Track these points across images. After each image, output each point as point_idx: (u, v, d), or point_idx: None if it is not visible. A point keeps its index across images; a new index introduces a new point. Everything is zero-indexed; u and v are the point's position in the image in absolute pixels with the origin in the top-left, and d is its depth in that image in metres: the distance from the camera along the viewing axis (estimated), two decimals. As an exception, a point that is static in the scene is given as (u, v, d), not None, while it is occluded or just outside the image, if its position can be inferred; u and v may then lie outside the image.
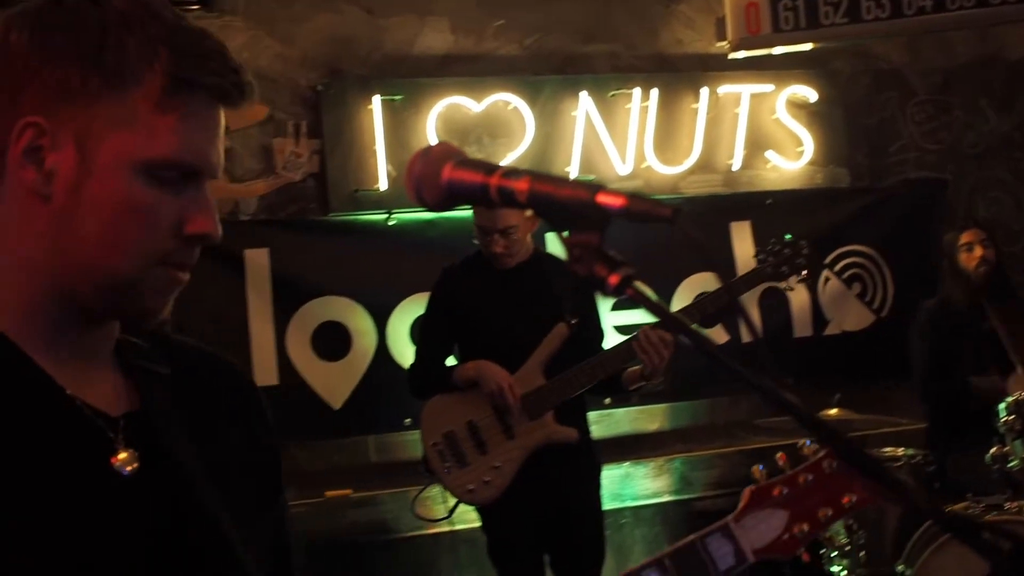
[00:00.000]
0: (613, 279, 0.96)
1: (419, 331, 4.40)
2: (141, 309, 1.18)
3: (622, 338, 5.30)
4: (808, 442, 1.33)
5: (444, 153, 1.11)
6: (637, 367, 3.93)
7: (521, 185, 1.04)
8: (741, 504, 1.29)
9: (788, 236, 4.18)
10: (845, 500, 1.32)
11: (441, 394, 3.96)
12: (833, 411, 4.58)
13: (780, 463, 1.33)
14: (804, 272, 4.18)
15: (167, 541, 1.16)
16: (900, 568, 4.22)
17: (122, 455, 1.16)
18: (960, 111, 6.50)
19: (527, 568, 3.92)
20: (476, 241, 4.03)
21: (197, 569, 1.17)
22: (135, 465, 1.16)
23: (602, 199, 0.98)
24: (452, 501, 3.97)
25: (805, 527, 1.30)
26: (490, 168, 1.07)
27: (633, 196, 0.98)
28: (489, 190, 1.06)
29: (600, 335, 4.21)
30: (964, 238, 4.98)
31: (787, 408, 0.98)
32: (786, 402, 0.99)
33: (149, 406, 1.23)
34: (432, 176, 1.10)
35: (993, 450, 4.22)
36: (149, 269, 1.16)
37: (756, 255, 4.29)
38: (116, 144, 1.13)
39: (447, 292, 4.11)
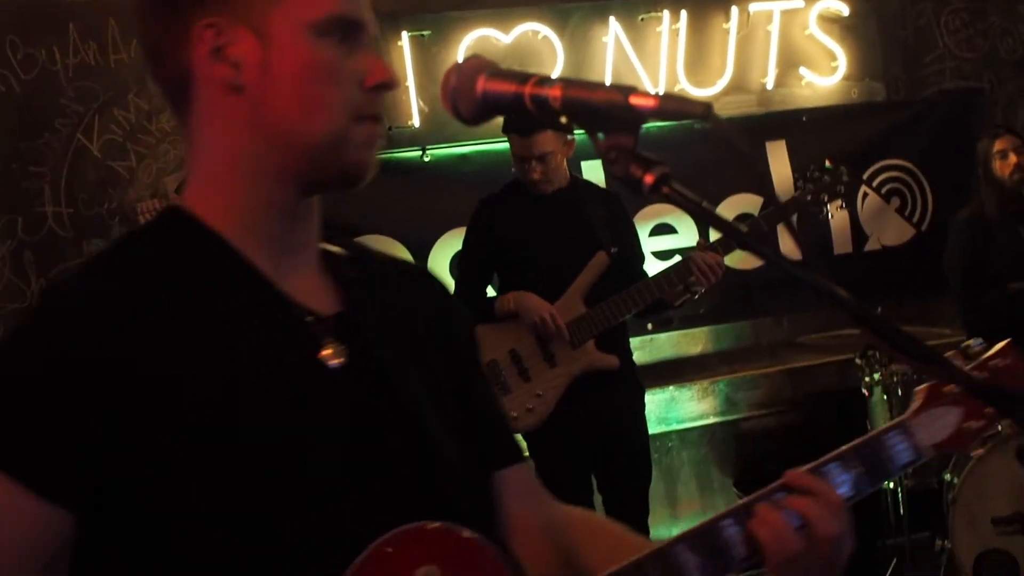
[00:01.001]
0: (648, 178, 0.98)
1: (458, 262, 4.43)
2: (351, 166, 1.25)
3: (660, 264, 5.35)
4: (975, 342, 1.34)
5: (477, 66, 1.13)
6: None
7: (555, 92, 1.06)
8: (916, 402, 1.34)
9: (827, 164, 4.16)
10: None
11: (482, 324, 4.00)
12: (874, 325, 4.56)
13: (955, 360, 1.36)
14: (843, 200, 4.16)
15: (370, 431, 1.24)
16: (947, 477, 4.25)
17: (328, 350, 1.24)
18: (996, 17, 6.38)
19: (575, 490, 3.97)
20: (514, 170, 4.05)
21: (397, 457, 1.25)
22: (341, 360, 1.25)
23: (635, 100, 1.00)
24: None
25: (979, 423, 1.34)
26: (523, 77, 1.09)
27: (666, 95, 1.00)
28: (523, 99, 1.08)
29: (640, 259, 4.23)
30: (998, 145, 4.90)
31: (841, 303, 1.00)
32: (841, 298, 1.00)
33: (351, 307, 1.30)
34: (467, 89, 1.12)
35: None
36: (349, 126, 1.23)
37: (795, 182, 4.26)
38: (284, 15, 1.21)
39: (485, 222, 4.13)
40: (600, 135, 1.02)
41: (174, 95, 1.27)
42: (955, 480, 4.13)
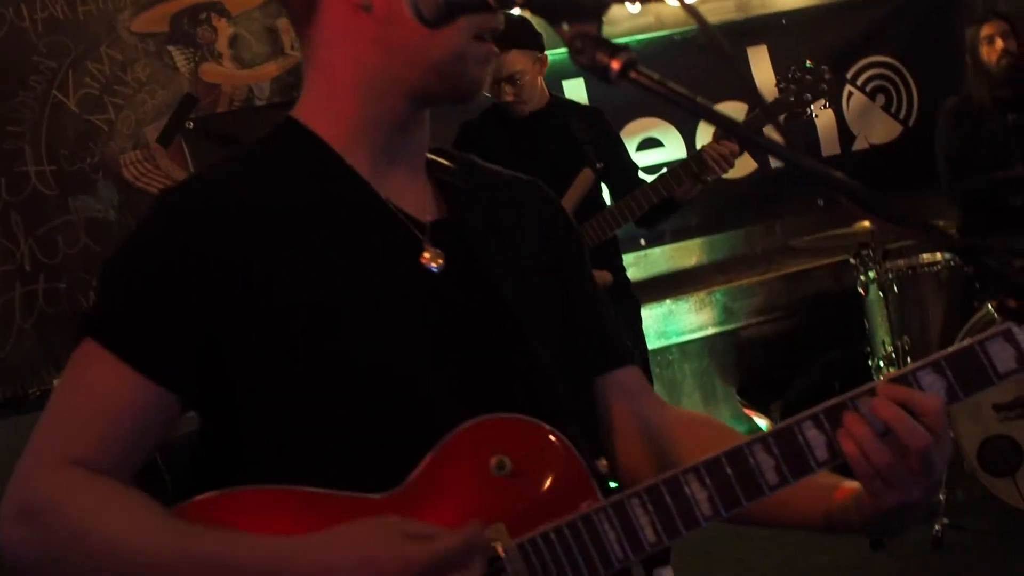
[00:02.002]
0: (616, 64, 0.97)
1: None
2: (468, 82, 1.31)
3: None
4: None
5: None
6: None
7: (516, -19, 1.04)
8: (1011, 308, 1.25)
9: (808, 63, 4.12)
10: None
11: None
12: (866, 223, 4.55)
13: None
14: (826, 97, 4.12)
15: (469, 328, 1.31)
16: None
17: (428, 253, 1.31)
18: (973, -99, 6.29)
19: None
20: (487, 94, 4.01)
21: (492, 355, 1.31)
22: (440, 262, 1.32)
23: (597, -16, 0.98)
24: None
25: None
26: (485, -27, 1.07)
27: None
28: (485, -7, 1.06)
29: (633, 169, 4.19)
30: (985, 31, 4.85)
31: (841, 187, 0.98)
32: (838, 181, 0.99)
33: (454, 214, 1.38)
34: None
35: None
36: (469, 43, 1.29)
37: (777, 83, 4.22)
38: None
39: (468, 145, 4.09)
40: (565, 25, 1.00)
41: (300, 14, 1.34)
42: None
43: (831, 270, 5.62)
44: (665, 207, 3.95)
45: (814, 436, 1.21)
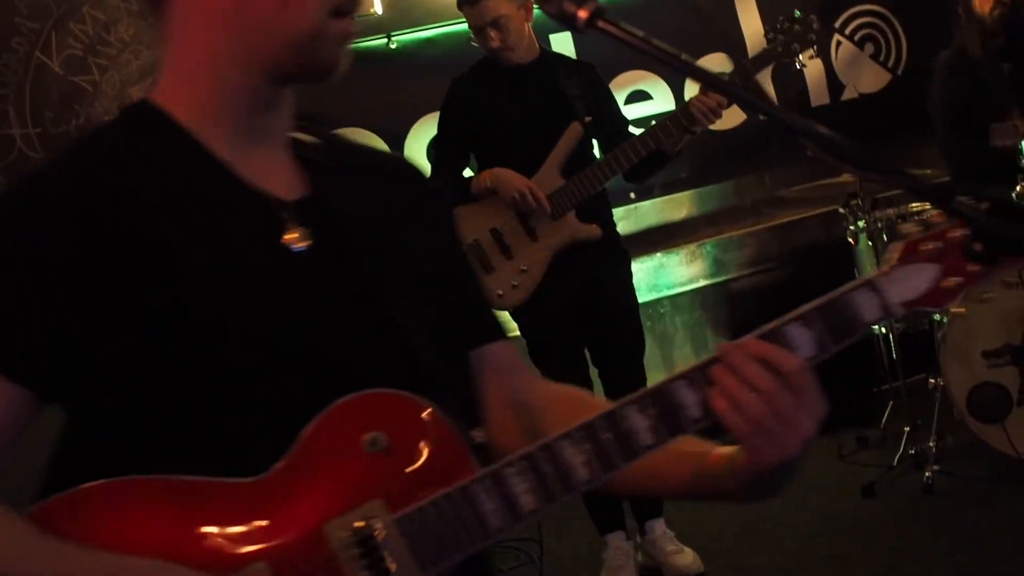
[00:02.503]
0: (583, 13, 0.96)
1: (434, 145, 4.39)
2: (324, 60, 1.26)
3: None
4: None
5: None
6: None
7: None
8: (892, 258, 1.29)
9: (797, 12, 4.10)
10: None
11: (461, 206, 3.98)
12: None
13: (933, 219, 1.31)
14: (814, 47, 4.11)
15: (338, 306, 1.28)
16: (936, 316, 4.28)
17: (292, 233, 1.27)
18: None
19: (569, 365, 3.99)
20: (475, 43, 4.00)
21: (362, 334, 1.28)
22: (308, 242, 1.27)
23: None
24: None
25: (958, 280, 1.29)
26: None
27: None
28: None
29: (623, 123, 4.18)
30: (977, -19, 4.82)
31: (818, 139, 0.98)
32: (816, 132, 0.98)
33: (320, 192, 1.33)
34: None
35: (1019, 188, 4.20)
36: (325, 20, 1.23)
37: (765, 34, 4.19)
38: None
39: (458, 102, 4.08)
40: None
41: None
42: (944, 319, 4.16)
43: (821, 220, 5.62)
44: (654, 160, 3.95)
45: (687, 395, 1.22)
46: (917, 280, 1.28)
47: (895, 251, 1.29)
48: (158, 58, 1.33)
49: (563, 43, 5.51)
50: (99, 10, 4.99)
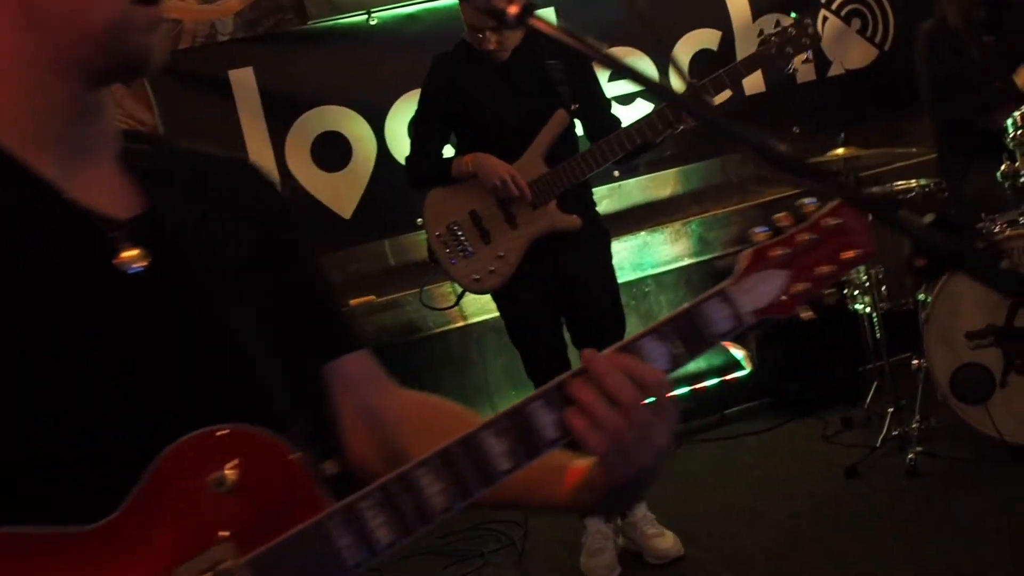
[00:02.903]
0: (513, 8, 0.91)
1: (414, 123, 4.33)
2: (134, 52, 1.17)
3: (622, 108, 5.26)
4: (808, 200, 1.27)
5: None
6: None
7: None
8: (740, 267, 1.27)
9: (793, 14, 4.04)
10: (846, 255, 1.28)
11: (442, 186, 3.93)
12: (840, 151, 4.51)
13: (781, 223, 1.29)
14: (809, 52, 4.06)
15: (177, 332, 1.19)
16: (921, 297, 4.25)
17: (126, 254, 1.18)
18: None
19: (548, 347, 3.97)
20: (467, 39, 3.95)
21: (205, 357, 1.20)
22: (143, 263, 1.19)
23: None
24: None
25: (806, 285, 1.27)
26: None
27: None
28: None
29: (607, 106, 4.13)
30: (957, -48, 4.75)
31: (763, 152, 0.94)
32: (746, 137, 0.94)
33: (156, 206, 1.24)
34: None
35: (1003, 167, 4.17)
36: (127, 9, 1.14)
37: (758, 35, 4.13)
38: None
39: (441, 79, 4.03)
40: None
41: None
42: (928, 299, 4.13)
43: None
44: (637, 148, 3.92)
45: (544, 415, 1.18)
46: (767, 287, 1.26)
47: (744, 259, 1.27)
48: None
49: (546, 19, 5.45)
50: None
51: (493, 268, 3.87)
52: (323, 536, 1.12)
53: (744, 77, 4.06)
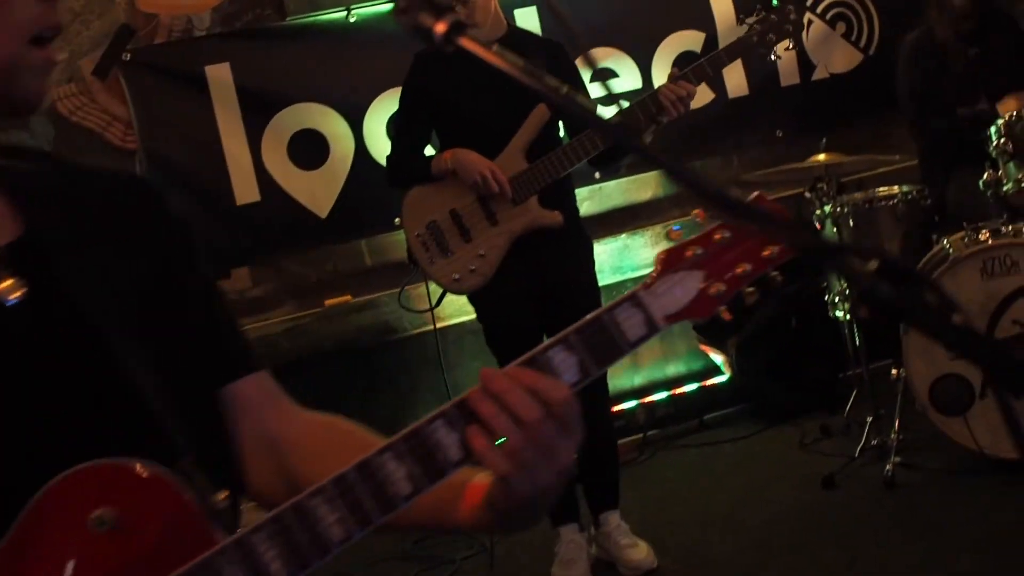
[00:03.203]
0: (440, 27, 0.86)
1: (394, 121, 4.27)
2: (22, 95, 1.14)
3: (604, 110, 5.20)
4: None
5: None
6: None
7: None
8: (653, 270, 1.21)
9: (774, 2, 3.99)
10: (765, 253, 1.22)
11: (422, 185, 3.87)
12: (821, 156, 4.46)
13: (698, 221, 1.23)
14: (791, 39, 4.01)
15: (58, 365, 1.14)
16: (901, 305, 4.20)
17: (3, 283, 1.13)
18: None
19: (526, 350, 3.90)
20: None
21: (89, 390, 1.15)
22: (19, 293, 1.13)
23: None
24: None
25: (721, 287, 1.21)
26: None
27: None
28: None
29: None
30: (948, -37, 4.71)
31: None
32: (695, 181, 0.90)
33: (35, 230, 1.18)
34: None
35: (986, 175, 4.14)
36: (24, 48, 1.12)
37: (740, 20, 4.08)
38: None
39: (420, 78, 3.96)
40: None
41: None
42: (908, 308, 4.08)
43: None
44: (620, 147, 3.84)
45: (445, 436, 1.12)
46: (680, 290, 1.21)
47: (657, 261, 1.22)
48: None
49: (528, 18, 5.40)
50: (48, -22, 4.83)
51: (474, 267, 3.81)
52: (214, 573, 1.06)
53: (726, 65, 4.01)
